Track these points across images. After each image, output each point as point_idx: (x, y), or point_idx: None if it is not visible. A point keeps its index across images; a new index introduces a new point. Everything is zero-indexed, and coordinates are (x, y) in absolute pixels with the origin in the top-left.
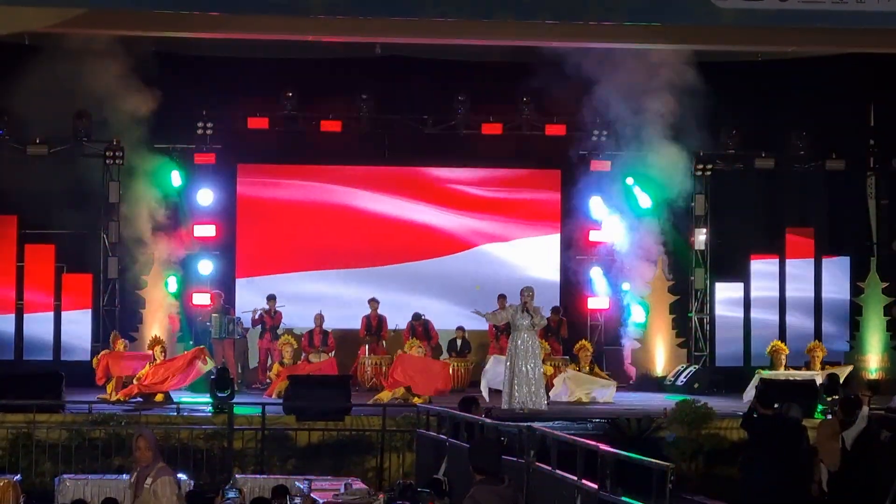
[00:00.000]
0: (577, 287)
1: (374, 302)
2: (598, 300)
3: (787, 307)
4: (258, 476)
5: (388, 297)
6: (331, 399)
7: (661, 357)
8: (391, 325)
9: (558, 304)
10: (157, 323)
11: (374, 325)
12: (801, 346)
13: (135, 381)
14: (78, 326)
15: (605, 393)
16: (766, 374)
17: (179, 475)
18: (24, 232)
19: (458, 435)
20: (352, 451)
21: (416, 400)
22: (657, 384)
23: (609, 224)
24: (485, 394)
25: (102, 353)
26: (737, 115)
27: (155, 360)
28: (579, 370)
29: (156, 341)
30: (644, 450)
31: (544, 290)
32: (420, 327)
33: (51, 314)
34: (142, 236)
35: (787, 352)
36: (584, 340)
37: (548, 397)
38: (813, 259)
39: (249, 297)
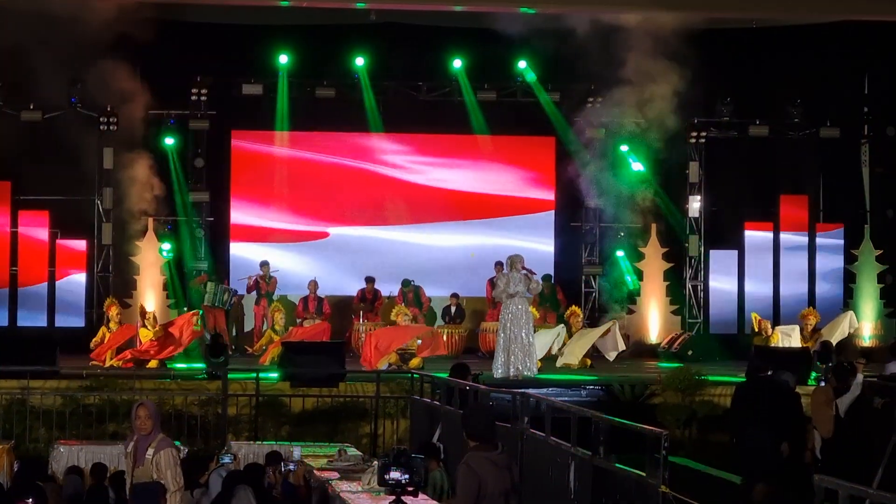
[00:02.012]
0: (571, 255)
1: (370, 281)
2: (593, 268)
3: (781, 274)
4: (252, 442)
5: (380, 263)
6: (325, 365)
7: (655, 324)
8: (385, 293)
9: (552, 271)
10: (150, 289)
11: (370, 298)
12: (794, 313)
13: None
14: (72, 293)
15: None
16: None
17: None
18: (19, 198)
19: (452, 401)
20: (346, 417)
21: (416, 361)
22: (651, 351)
23: (603, 191)
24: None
25: (107, 336)
26: (731, 82)
27: (146, 328)
28: (570, 337)
29: (143, 313)
30: (638, 416)
31: (539, 257)
32: (410, 293)
33: (45, 280)
34: (136, 202)
35: (767, 322)
36: (574, 307)
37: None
38: (807, 227)
39: (243, 263)
